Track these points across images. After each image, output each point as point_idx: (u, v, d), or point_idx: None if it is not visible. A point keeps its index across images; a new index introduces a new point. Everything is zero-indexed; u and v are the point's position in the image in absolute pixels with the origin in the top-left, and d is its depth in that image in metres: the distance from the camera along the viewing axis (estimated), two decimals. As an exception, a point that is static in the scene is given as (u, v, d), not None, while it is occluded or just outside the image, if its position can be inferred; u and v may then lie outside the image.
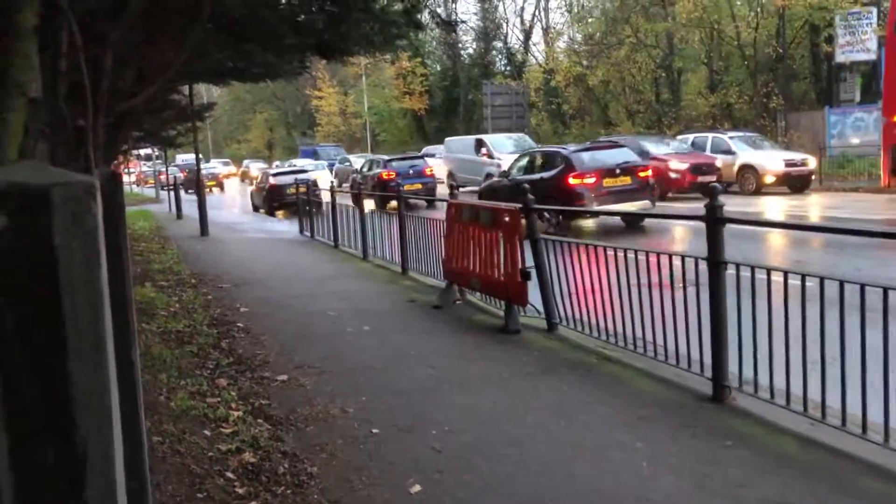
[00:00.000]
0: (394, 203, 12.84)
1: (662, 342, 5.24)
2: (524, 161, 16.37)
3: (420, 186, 21.50)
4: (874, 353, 3.62)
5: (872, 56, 24.98)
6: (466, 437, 4.32)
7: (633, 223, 14.06)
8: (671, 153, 20.59)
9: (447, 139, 30.18)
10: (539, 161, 15.69)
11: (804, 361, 4.03)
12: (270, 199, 24.42)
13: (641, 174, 14.60)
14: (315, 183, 22.01)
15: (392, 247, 10.89)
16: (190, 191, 25.56)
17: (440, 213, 10.30)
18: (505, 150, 25.19)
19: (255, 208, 26.23)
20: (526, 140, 27.74)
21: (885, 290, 3.67)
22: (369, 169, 25.44)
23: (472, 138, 28.29)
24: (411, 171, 23.10)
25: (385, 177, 22.58)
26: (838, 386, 3.79)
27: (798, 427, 4.03)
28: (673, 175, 19.62)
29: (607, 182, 13.94)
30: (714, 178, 19.28)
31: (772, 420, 4.19)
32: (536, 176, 14.77)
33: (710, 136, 22.61)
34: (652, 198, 14.77)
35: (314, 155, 41.27)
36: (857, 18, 25.72)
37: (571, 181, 13.83)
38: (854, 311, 3.75)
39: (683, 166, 19.73)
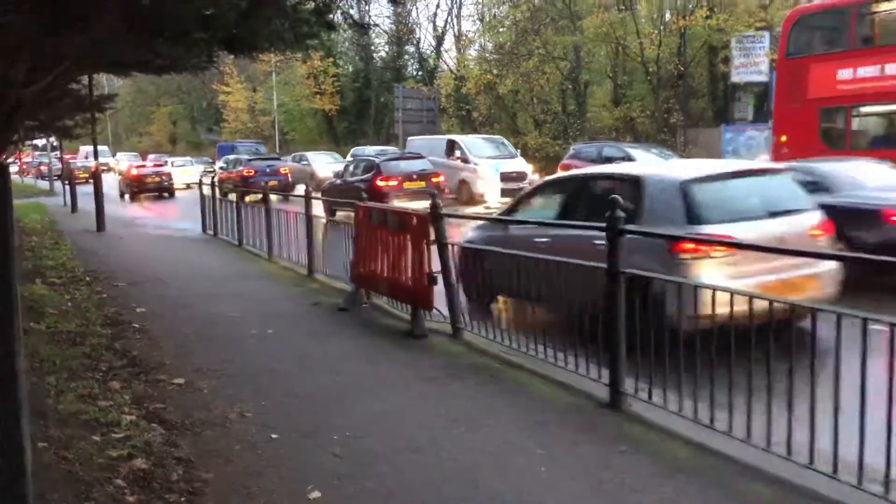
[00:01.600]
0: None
1: (563, 349, 5.35)
2: (352, 166, 20.22)
3: (276, 183, 24.88)
4: (761, 361, 3.80)
5: (764, 78, 26.25)
6: (370, 443, 4.30)
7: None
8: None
9: (410, 139, 26.95)
10: (362, 166, 19.37)
11: (696, 369, 4.19)
12: (132, 188, 29.91)
13: (434, 179, 18.71)
14: (170, 175, 30.82)
15: (298, 248, 10.71)
16: (66, 182, 25.83)
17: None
18: (483, 154, 22.57)
19: (122, 195, 30.57)
20: (503, 143, 24.94)
21: (770, 302, 3.86)
22: (234, 166, 29.59)
23: (442, 138, 25.14)
24: (268, 170, 27.51)
25: (245, 174, 26.82)
26: (726, 392, 3.96)
27: (689, 433, 4.19)
28: None
29: (407, 185, 17.54)
30: None
31: (665, 426, 4.33)
32: (358, 178, 18.60)
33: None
34: (442, 198, 17.90)
35: (233, 151, 40.14)
36: (751, 41, 27.00)
37: (379, 183, 17.59)
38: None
39: None
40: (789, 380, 3.64)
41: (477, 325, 6.51)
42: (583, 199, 7.33)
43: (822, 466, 3.49)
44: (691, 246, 5.74)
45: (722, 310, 4.01)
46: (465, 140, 24.38)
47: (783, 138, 17.52)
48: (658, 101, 31.45)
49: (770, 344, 3.75)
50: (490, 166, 21.53)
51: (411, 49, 51.40)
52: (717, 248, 5.57)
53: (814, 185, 8.93)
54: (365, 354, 6.29)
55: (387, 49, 52.68)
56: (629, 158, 20.50)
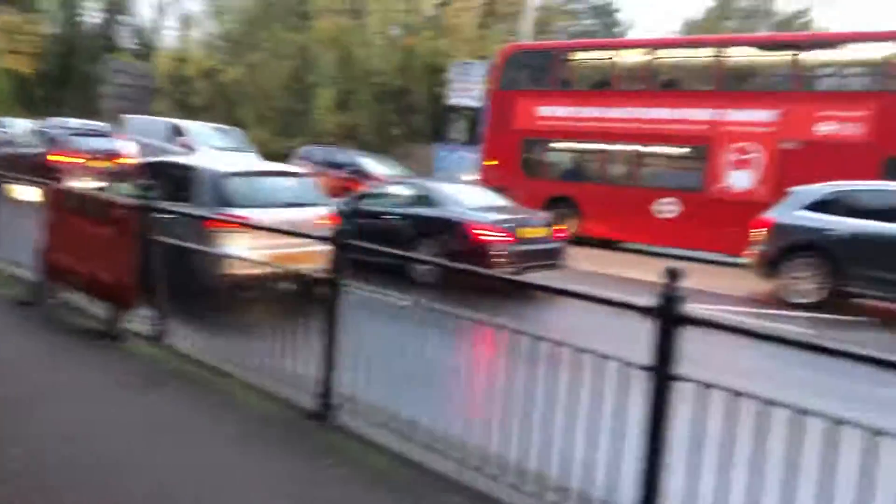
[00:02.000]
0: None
1: (275, 358, 5.27)
2: (27, 135, 19.39)
3: None
4: (461, 376, 4.07)
5: (477, 104, 28.23)
6: (51, 459, 3.87)
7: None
8: (394, 175, 19.89)
9: (129, 117, 24.32)
10: (38, 137, 18.50)
11: (403, 383, 4.36)
12: None
13: (118, 160, 17.78)
14: None
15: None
16: None
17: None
18: (212, 144, 20.96)
19: None
20: (237, 134, 23.09)
21: (475, 321, 4.15)
22: None
23: (168, 122, 23.01)
24: None
25: None
26: (431, 406, 4.18)
27: (392, 445, 4.32)
28: None
29: (91, 163, 16.98)
30: None
31: (370, 439, 4.43)
32: (31, 150, 17.74)
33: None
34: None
35: None
36: (468, 68, 28.91)
37: (51, 157, 16.94)
38: (450, 337, 4.18)
39: None
40: (488, 398, 3.94)
41: (182, 328, 6.17)
42: (161, 180, 8.74)
43: (509, 478, 3.82)
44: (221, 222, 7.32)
45: (242, 271, 5.63)
46: (193, 126, 22.64)
47: (491, 163, 19.00)
48: (380, 113, 32.41)
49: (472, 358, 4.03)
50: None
51: (128, 19, 47.66)
52: (234, 225, 7.14)
53: (425, 200, 11.20)
54: (51, 355, 5.68)
55: (100, 15, 48.25)
56: (359, 166, 21.02)
